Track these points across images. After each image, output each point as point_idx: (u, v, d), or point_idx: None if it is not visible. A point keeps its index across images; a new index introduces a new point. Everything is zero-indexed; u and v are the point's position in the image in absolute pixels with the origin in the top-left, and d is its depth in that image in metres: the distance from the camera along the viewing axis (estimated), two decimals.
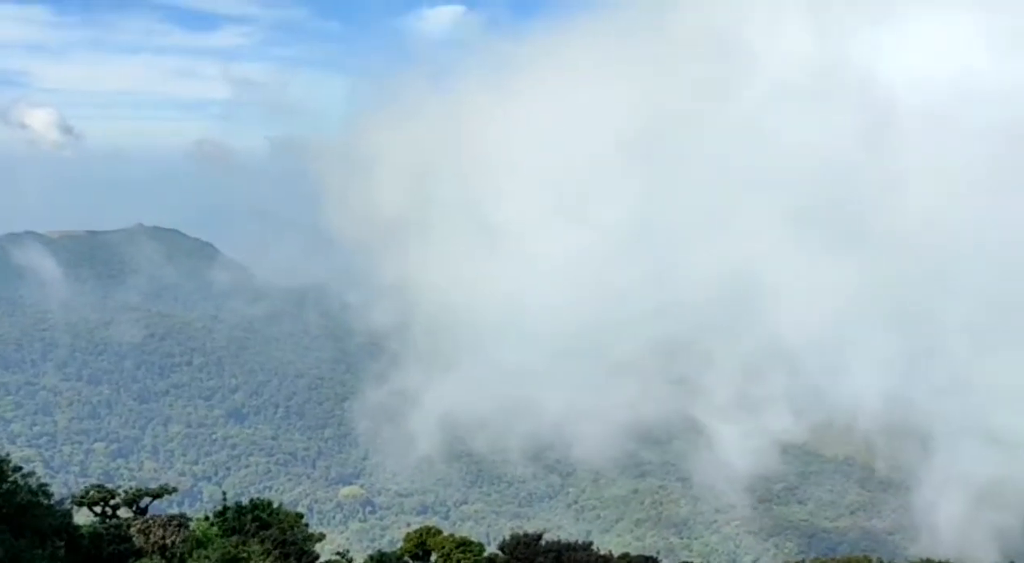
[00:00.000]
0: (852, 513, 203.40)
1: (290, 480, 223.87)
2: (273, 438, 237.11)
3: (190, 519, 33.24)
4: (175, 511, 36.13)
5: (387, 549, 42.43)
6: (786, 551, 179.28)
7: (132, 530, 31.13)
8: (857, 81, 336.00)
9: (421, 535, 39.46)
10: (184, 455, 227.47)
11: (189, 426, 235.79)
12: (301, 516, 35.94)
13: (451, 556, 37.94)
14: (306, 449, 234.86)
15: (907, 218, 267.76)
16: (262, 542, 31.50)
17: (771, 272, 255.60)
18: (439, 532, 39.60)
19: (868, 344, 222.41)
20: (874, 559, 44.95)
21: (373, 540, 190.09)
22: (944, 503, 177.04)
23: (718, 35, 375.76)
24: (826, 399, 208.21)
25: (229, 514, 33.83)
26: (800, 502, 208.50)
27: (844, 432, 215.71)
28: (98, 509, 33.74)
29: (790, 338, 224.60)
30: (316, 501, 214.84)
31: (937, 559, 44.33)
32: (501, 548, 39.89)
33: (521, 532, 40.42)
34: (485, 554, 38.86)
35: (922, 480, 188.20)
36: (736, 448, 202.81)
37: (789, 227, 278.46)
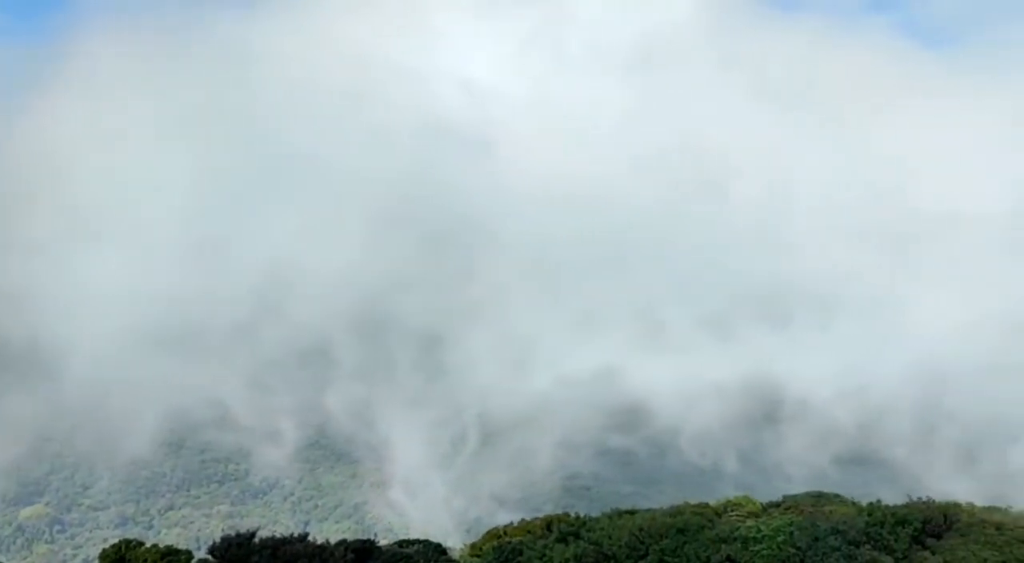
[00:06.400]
0: None
1: None
2: None
3: None
4: None
5: None
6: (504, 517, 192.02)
7: None
8: (404, 82, 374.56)
9: (119, 550, 36.56)
10: None
11: None
12: None
13: None
14: None
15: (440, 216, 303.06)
16: None
17: (305, 268, 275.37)
18: (140, 544, 36.91)
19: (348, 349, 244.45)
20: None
21: (64, 562, 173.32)
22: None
23: (238, 41, 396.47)
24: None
25: None
26: None
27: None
28: None
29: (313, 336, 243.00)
30: None
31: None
32: (211, 552, 38.08)
33: (233, 533, 38.84)
34: (194, 561, 36.86)
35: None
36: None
37: (329, 221, 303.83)
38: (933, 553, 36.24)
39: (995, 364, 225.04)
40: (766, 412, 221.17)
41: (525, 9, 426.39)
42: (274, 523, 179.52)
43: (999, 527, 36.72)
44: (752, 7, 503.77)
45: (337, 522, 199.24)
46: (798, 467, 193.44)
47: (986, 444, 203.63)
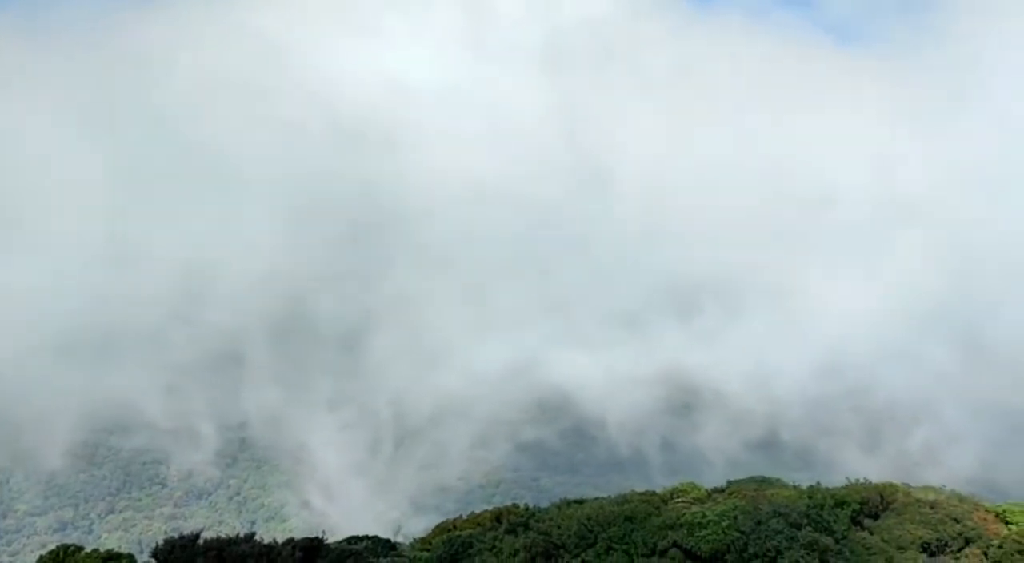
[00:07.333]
0: None
1: None
2: None
3: None
4: None
5: None
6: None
7: None
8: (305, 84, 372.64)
9: (57, 555, 35.09)
10: None
11: None
12: None
13: None
14: None
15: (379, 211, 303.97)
16: None
17: (218, 268, 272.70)
18: (79, 549, 35.51)
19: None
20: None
21: None
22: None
23: (147, 36, 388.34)
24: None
25: None
26: None
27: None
28: None
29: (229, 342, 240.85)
30: None
31: None
32: (154, 555, 36.91)
33: (177, 535, 37.70)
34: None
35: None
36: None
37: (241, 220, 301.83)
38: (871, 533, 37.64)
39: (892, 351, 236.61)
40: (683, 402, 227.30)
41: (441, 7, 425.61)
42: (219, 524, 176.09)
43: (933, 506, 38.40)
44: (672, 4, 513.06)
45: (266, 521, 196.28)
46: (716, 453, 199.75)
47: (888, 426, 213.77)
